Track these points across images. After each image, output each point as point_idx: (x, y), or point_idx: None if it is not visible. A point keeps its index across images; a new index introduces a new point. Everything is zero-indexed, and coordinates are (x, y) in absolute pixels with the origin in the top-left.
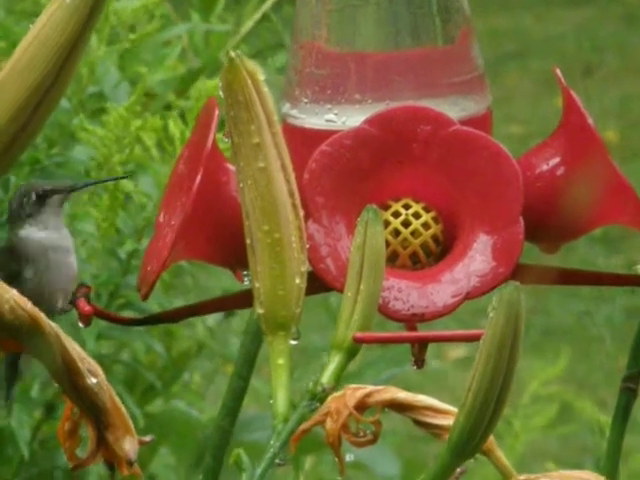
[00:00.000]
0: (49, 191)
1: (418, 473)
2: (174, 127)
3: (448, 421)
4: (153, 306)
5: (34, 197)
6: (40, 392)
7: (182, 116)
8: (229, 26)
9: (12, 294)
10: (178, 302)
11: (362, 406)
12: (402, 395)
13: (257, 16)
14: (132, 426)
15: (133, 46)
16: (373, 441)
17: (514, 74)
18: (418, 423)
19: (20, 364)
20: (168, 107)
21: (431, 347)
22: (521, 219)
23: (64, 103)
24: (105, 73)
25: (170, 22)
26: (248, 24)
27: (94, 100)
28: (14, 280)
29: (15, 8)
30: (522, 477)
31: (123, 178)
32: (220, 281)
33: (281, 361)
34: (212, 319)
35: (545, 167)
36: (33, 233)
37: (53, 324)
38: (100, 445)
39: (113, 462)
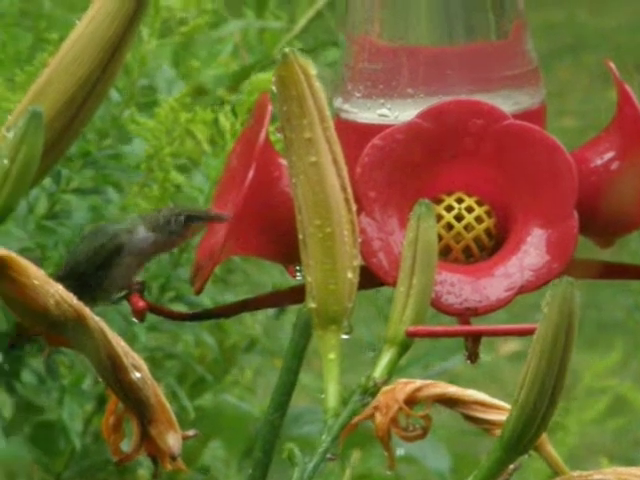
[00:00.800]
0: (196, 217)
1: (468, 468)
2: (225, 120)
3: (498, 416)
4: (204, 299)
5: (183, 219)
6: (92, 385)
7: (233, 110)
8: (282, 23)
9: (57, 288)
10: (229, 296)
11: (412, 400)
12: (452, 390)
13: (310, 13)
14: (176, 421)
15: (185, 40)
16: (423, 435)
17: (568, 68)
18: (468, 418)
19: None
20: (220, 102)
21: (483, 341)
22: (575, 213)
23: (115, 96)
24: (157, 67)
25: (223, 19)
26: (301, 21)
27: (145, 93)
28: (88, 267)
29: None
30: (575, 474)
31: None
32: (271, 276)
33: (332, 355)
34: (263, 313)
35: (599, 161)
36: (153, 244)
37: (98, 319)
38: (144, 439)
39: (157, 456)
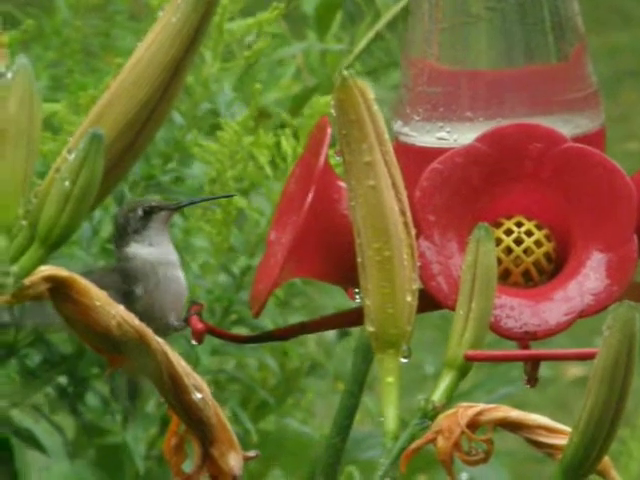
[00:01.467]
0: (155, 207)
1: None
2: (286, 144)
3: (562, 441)
4: (266, 323)
5: (140, 213)
6: (156, 408)
7: (294, 133)
8: (344, 45)
9: (119, 310)
10: (292, 320)
11: (474, 424)
12: (514, 414)
13: (371, 35)
14: (237, 442)
15: (248, 64)
16: (485, 460)
17: (633, 91)
18: (531, 442)
19: (140, 380)
20: (282, 126)
21: (549, 366)
22: (635, 237)
23: (178, 119)
24: (219, 90)
25: (285, 41)
26: (362, 43)
27: (208, 117)
28: (126, 300)
29: (143, 30)
30: None
31: (229, 196)
32: (334, 299)
33: (391, 379)
34: (325, 337)
35: None
36: (140, 250)
37: (160, 339)
38: (205, 460)
39: (218, 477)
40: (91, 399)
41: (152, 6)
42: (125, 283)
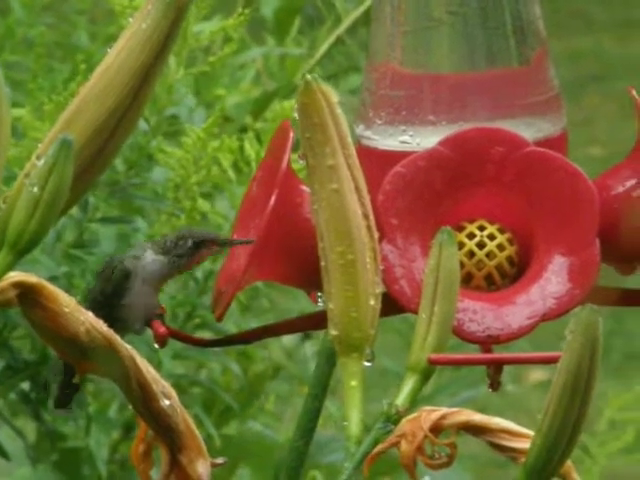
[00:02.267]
0: (203, 241)
1: None
2: (250, 148)
3: (524, 444)
4: (229, 327)
5: (190, 244)
6: (118, 412)
7: (258, 137)
8: (303, 49)
9: (88, 316)
10: (255, 324)
11: (437, 428)
12: (477, 417)
13: (331, 39)
14: (205, 448)
15: (211, 69)
16: (448, 464)
17: (595, 96)
18: (494, 446)
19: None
20: (244, 130)
21: (510, 370)
22: (597, 241)
23: (142, 125)
24: (183, 97)
25: (245, 45)
26: (323, 47)
27: (171, 122)
28: (104, 299)
29: (99, 33)
30: None
31: (248, 242)
32: (298, 303)
33: (354, 383)
34: (288, 340)
35: (621, 188)
36: (159, 270)
37: (128, 346)
38: (173, 467)
39: None
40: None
41: (116, 12)
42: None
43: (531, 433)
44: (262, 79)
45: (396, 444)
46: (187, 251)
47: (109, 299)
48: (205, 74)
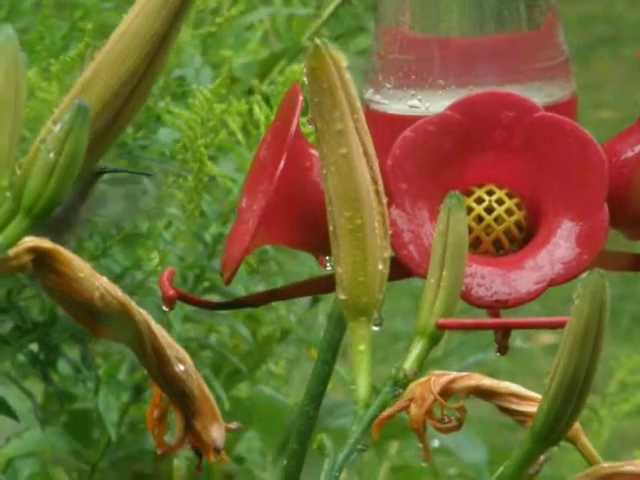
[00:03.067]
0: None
1: (504, 460)
2: (259, 111)
3: (533, 408)
4: (239, 290)
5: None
6: (128, 375)
7: (267, 100)
8: (310, 10)
9: (102, 281)
10: (263, 287)
11: (447, 392)
12: (487, 382)
13: (338, 0)
14: (219, 414)
15: (218, 30)
16: (458, 427)
17: (605, 59)
18: (503, 410)
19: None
20: (251, 91)
21: (520, 333)
22: (605, 206)
23: None
24: (189, 58)
25: (252, 6)
26: (329, 8)
27: (178, 84)
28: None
29: None
30: (607, 464)
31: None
32: (306, 266)
33: (362, 347)
34: (297, 303)
35: (630, 153)
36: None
37: (143, 311)
38: (188, 432)
39: (201, 449)
40: (62, 366)
41: None
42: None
43: (539, 396)
44: (269, 40)
45: (405, 408)
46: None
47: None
48: (212, 35)
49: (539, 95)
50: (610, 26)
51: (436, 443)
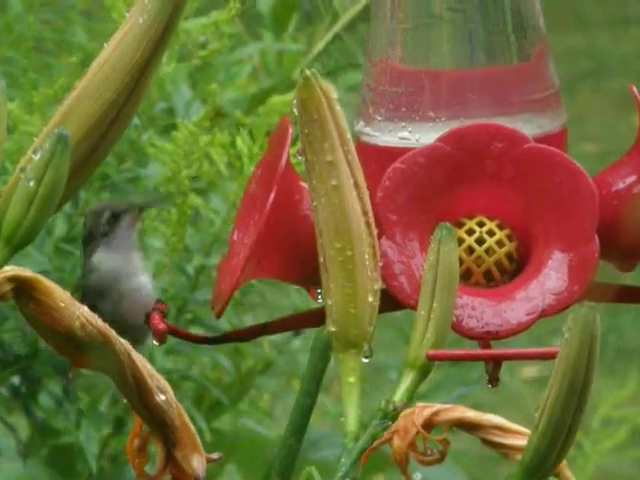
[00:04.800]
0: (123, 210)
1: None
2: (242, 143)
3: (517, 441)
4: (221, 323)
5: (108, 216)
6: (109, 407)
7: (250, 132)
8: (301, 46)
9: (83, 310)
10: (246, 319)
11: (430, 424)
12: (470, 414)
13: (329, 36)
14: (200, 444)
15: (204, 63)
16: (440, 460)
17: (589, 93)
18: (486, 442)
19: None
20: (237, 125)
21: (505, 367)
22: (596, 237)
23: (134, 119)
24: (175, 90)
25: (242, 41)
26: (320, 44)
27: (164, 116)
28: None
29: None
30: None
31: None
32: (290, 298)
33: (352, 379)
34: (279, 336)
35: (621, 185)
36: (105, 258)
37: (123, 341)
38: (168, 462)
39: (181, 479)
40: (44, 399)
41: (106, 6)
42: (89, 299)
43: (523, 429)
44: (259, 75)
45: (389, 440)
46: (108, 225)
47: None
48: (202, 69)
49: (529, 127)
50: (593, 60)
51: (419, 476)
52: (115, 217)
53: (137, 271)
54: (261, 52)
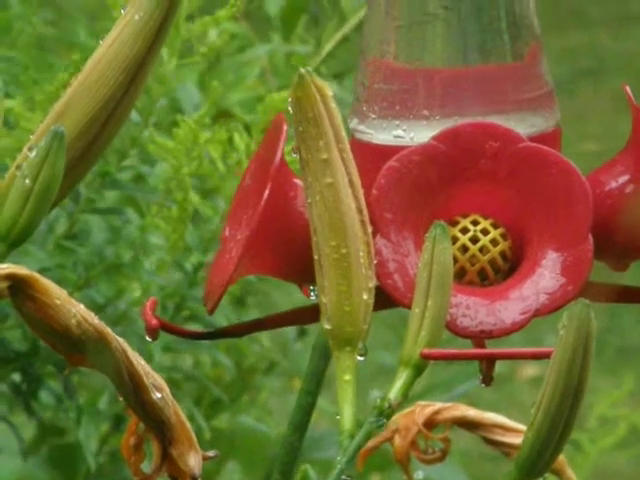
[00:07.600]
0: None
1: None
2: (239, 140)
3: (518, 439)
4: (220, 320)
5: None
6: (108, 404)
7: (247, 129)
8: (309, 47)
9: (79, 309)
10: (246, 317)
11: (431, 423)
12: (471, 413)
13: (337, 37)
14: (196, 441)
15: (209, 62)
16: (442, 458)
17: (589, 91)
18: (487, 441)
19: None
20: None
21: (504, 365)
22: (590, 236)
23: (134, 116)
24: (178, 87)
25: (249, 42)
26: (328, 45)
27: (165, 113)
28: None
29: (98, 28)
30: None
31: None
32: (290, 296)
33: (347, 377)
34: (281, 335)
35: (614, 184)
36: None
37: (120, 339)
38: (165, 460)
39: (177, 477)
40: (45, 397)
41: (108, 4)
42: None
43: (524, 428)
44: (267, 77)
45: (390, 439)
46: None
47: None
48: (208, 70)
49: (523, 126)
50: (594, 58)
51: (420, 475)
52: None
53: None
54: (269, 54)
